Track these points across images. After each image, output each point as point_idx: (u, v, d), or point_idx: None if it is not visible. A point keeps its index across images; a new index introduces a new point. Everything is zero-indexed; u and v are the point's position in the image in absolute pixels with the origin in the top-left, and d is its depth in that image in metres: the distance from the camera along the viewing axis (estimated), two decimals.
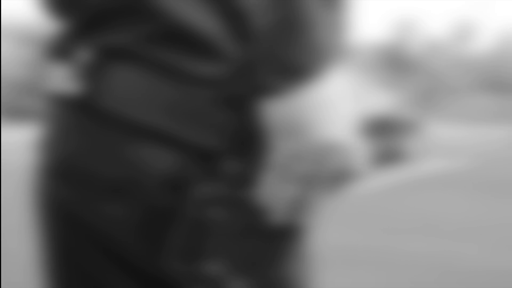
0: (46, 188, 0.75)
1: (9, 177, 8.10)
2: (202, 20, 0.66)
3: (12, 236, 4.54)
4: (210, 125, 0.67)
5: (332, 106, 0.66)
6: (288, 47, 0.63)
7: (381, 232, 5.02)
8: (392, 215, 5.84)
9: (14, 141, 15.63)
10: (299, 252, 0.73)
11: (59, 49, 0.74)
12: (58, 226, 0.74)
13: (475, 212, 6.15)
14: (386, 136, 11.09)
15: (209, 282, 0.68)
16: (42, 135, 0.77)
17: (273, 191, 0.68)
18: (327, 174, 0.67)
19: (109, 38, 0.69)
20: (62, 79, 0.73)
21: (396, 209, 6.21)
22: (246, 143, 0.68)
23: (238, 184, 0.68)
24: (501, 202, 6.90)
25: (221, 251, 0.68)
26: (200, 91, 0.67)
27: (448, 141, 20.80)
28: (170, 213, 0.68)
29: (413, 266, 3.95)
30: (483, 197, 7.21)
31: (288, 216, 0.69)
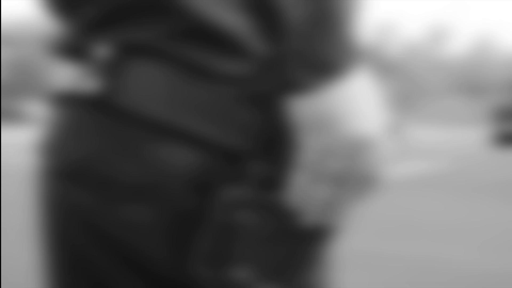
0: (56, 193, 0.71)
1: (7, 179, 8.01)
2: (227, 16, 0.64)
3: (14, 241, 4.48)
4: (235, 124, 0.65)
5: (360, 102, 0.65)
6: (319, 43, 0.63)
7: (363, 234, 5.03)
8: (373, 218, 5.85)
9: (11, 143, 15.50)
10: (327, 257, 0.71)
11: (71, 47, 0.71)
12: (70, 232, 0.70)
13: (457, 215, 6.19)
14: None
15: None
16: (49, 136, 0.73)
17: (304, 192, 0.65)
18: (359, 171, 0.65)
19: (129, 34, 0.66)
20: (75, 77, 0.70)
21: (376, 212, 6.24)
22: (273, 143, 0.66)
23: (266, 186, 0.66)
24: (481, 204, 6.94)
25: (249, 256, 0.66)
26: (224, 89, 0.65)
27: (426, 143, 20.95)
28: (195, 216, 0.65)
29: (397, 268, 3.95)
30: (464, 199, 7.26)
31: (319, 218, 0.67)
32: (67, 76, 0.71)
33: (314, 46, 0.63)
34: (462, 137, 23.16)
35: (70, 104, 0.70)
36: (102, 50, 0.67)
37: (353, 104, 0.64)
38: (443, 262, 4.14)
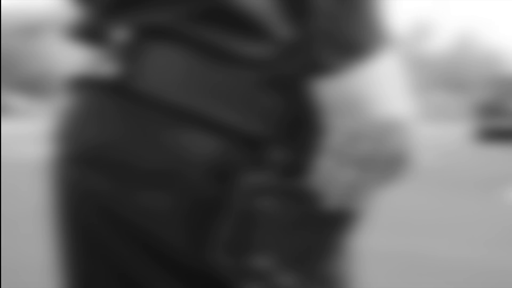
0: (72, 179, 0.69)
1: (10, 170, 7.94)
2: None
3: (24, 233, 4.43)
4: (256, 110, 0.64)
5: (387, 84, 0.63)
6: (346, 23, 0.61)
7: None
8: None
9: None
10: (349, 245, 0.70)
11: (89, 30, 0.69)
12: (86, 218, 0.68)
13: (445, 210, 6.22)
14: None
15: (257, 276, 0.64)
16: (65, 122, 0.71)
17: (329, 176, 0.64)
18: (388, 154, 0.64)
19: (148, 17, 0.65)
20: (92, 61, 0.68)
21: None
22: (297, 127, 0.64)
23: (288, 172, 0.64)
24: (467, 200, 6.99)
25: (269, 244, 0.64)
26: (245, 73, 0.64)
27: None
28: (215, 204, 0.64)
29: (381, 262, 3.96)
30: (450, 195, 7.30)
31: (343, 202, 0.66)
32: (84, 60, 0.69)
33: (341, 26, 0.61)
34: (447, 133, 23.33)
35: (87, 88, 0.68)
36: (120, 33, 0.66)
37: (381, 86, 0.63)
38: (435, 258, 4.15)
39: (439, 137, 21.01)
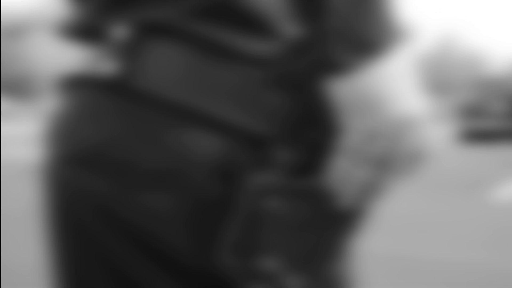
0: (66, 180, 0.67)
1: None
2: None
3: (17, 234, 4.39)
4: (261, 109, 0.63)
5: (401, 82, 0.63)
6: (360, 22, 0.61)
7: None
8: None
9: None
10: (353, 246, 0.70)
11: (87, 28, 0.68)
12: (81, 220, 0.66)
13: (433, 211, 6.18)
14: None
15: (264, 278, 0.63)
16: (58, 122, 0.69)
17: (344, 175, 0.63)
18: (404, 152, 0.63)
19: (149, 13, 0.63)
20: (91, 59, 0.67)
21: None
22: (304, 127, 0.63)
23: (296, 172, 0.63)
24: (451, 201, 6.95)
25: (277, 245, 0.63)
26: (251, 71, 0.62)
27: None
28: (220, 205, 0.63)
29: (375, 264, 3.92)
30: (435, 197, 7.26)
31: (357, 202, 0.65)
32: (79, 58, 0.68)
33: (354, 25, 0.60)
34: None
35: (85, 87, 0.67)
36: (120, 30, 0.64)
37: (395, 84, 0.62)
38: (430, 261, 4.11)
39: None
